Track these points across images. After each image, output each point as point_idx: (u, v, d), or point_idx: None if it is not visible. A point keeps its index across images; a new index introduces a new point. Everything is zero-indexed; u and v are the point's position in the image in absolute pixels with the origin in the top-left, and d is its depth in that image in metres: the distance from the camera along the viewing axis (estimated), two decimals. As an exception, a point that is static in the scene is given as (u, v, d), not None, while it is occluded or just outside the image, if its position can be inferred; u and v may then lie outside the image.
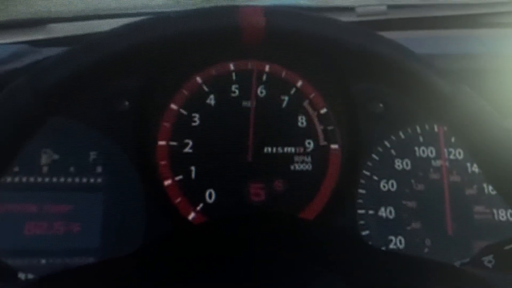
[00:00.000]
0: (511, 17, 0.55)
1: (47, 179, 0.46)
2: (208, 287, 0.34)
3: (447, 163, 0.51)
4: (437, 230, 0.49)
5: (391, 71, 0.33)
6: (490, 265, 0.49)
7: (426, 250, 0.48)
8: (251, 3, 0.52)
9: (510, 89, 0.52)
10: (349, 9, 0.53)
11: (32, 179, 0.45)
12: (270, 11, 0.31)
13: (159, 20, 0.32)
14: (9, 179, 0.45)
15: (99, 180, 0.46)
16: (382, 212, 0.49)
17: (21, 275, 0.43)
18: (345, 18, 0.53)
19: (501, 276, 0.36)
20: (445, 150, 0.51)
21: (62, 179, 0.46)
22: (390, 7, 0.54)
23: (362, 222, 0.48)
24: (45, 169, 0.46)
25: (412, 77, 0.32)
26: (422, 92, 0.32)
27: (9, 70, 0.46)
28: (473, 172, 0.51)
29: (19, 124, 0.28)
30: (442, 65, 0.47)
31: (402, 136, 0.51)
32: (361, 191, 0.49)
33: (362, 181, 0.50)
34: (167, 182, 0.47)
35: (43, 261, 0.44)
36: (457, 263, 0.49)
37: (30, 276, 0.43)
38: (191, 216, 0.47)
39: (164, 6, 0.50)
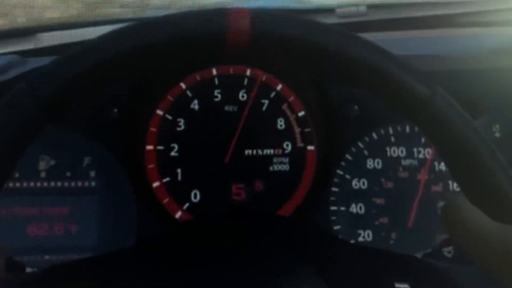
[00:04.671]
0: (490, 16, 0.57)
1: (45, 184, 0.51)
2: (194, 277, 0.39)
3: (415, 162, 0.56)
4: (402, 224, 0.55)
5: (367, 73, 0.36)
6: (449, 255, 0.56)
7: (391, 242, 0.55)
8: (236, 4, 0.54)
9: (483, 89, 0.55)
10: (330, 11, 0.55)
11: (31, 184, 0.51)
12: (255, 13, 0.34)
13: (142, 26, 0.34)
14: (10, 184, 0.50)
15: (93, 184, 0.52)
16: (353, 208, 0.55)
17: (29, 269, 0.50)
18: (325, 20, 0.56)
19: (458, 267, 0.42)
20: (415, 149, 0.56)
21: (59, 184, 0.51)
22: (370, 7, 0.56)
23: (334, 217, 0.55)
24: (43, 174, 0.51)
25: (388, 79, 0.34)
26: (397, 95, 0.35)
27: (1, 80, 0.49)
28: (440, 170, 0.56)
29: (19, 132, 0.31)
30: (421, 66, 0.50)
31: (375, 137, 0.56)
32: (334, 189, 0.55)
33: (336, 180, 0.55)
34: (155, 184, 0.53)
35: (47, 257, 0.50)
36: (419, 254, 0.55)
37: (36, 270, 0.49)
38: (178, 214, 0.53)
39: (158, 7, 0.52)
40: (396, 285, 0.40)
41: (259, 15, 0.34)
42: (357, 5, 0.55)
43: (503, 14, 0.56)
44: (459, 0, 0.56)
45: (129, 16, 0.53)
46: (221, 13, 0.34)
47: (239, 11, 0.34)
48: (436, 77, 0.40)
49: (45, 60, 0.52)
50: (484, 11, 0.56)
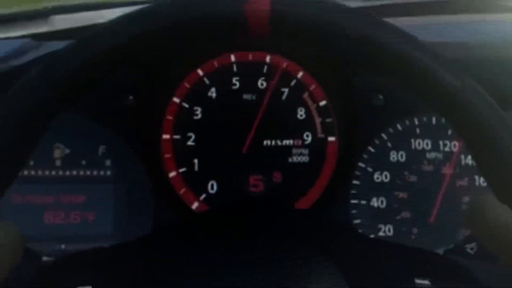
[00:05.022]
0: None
1: (60, 172, 0.50)
2: (209, 269, 0.39)
3: (441, 155, 0.53)
4: (425, 219, 0.53)
5: (393, 61, 0.34)
6: (472, 252, 0.54)
7: (413, 237, 0.53)
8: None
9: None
10: (355, -6, 0.52)
11: (47, 172, 0.50)
12: None
13: (158, 8, 0.33)
14: (25, 172, 0.50)
15: (109, 172, 0.51)
16: (374, 202, 0.53)
17: (45, 258, 0.49)
18: (349, 3, 0.53)
19: (481, 264, 0.41)
20: (441, 142, 0.54)
21: (74, 172, 0.51)
22: (398, -10, 0.53)
23: (354, 211, 0.53)
24: (58, 162, 0.51)
25: (415, 67, 0.33)
26: (425, 85, 0.33)
27: (14, 66, 0.48)
28: (466, 164, 0.54)
29: (35, 116, 0.30)
30: (451, 53, 0.47)
31: (400, 128, 0.54)
32: (356, 182, 0.53)
33: (357, 173, 0.53)
34: (172, 174, 0.52)
35: (63, 246, 0.50)
36: (440, 250, 0.53)
37: (53, 259, 0.49)
38: (195, 205, 0.52)
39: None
40: (417, 281, 0.39)
41: None
42: (384, -12, 0.52)
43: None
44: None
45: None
46: None
47: None
48: (466, 66, 0.38)
49: (59, 44, 0.50)
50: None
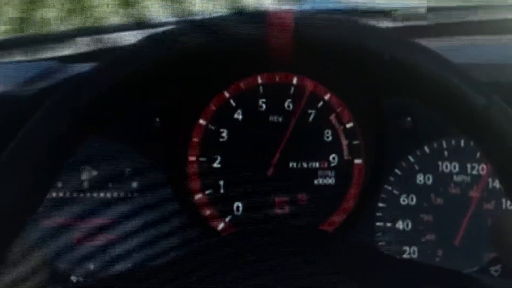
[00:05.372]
0: None
1: (88, 194, 0.51)
2: None
3: (468, 178, 0.53)
4: (450, 241, 0.53)
5: (424, 84, 0.34)
6: (496, 274, 0.54)
7: (437, 259, 0.54)
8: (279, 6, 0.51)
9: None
10: (385, 14, 0.51)
11: (74, 194, 0.51)
12: (299, 17, 0.31)
13: (180, 31, 0.33)
14: (53, 194, 0.50)
15: (135, 194, 0.52)
16: (399, 225, 0.54)
17: (73, 278, 0.50)
18: (379, 23, 0.52)
19: (506, 284, 0.41)
20: (469, 165, 0.53)
21: (101, 194, 0.51)
22: (430, 10, 0.51)
23: (379, 233, 0.53)
24: (85, 184, 0.51)
25: (442, 87, 0.33)
26: (453, 106, 0.33)
27: (39, 88, 0.48)
28: (493, 187, 0.53)
29: (58, 144, 0.30)
30: (483, 75, 0.46)
31: (427, 150, 0.54)
32: (381, 204, 0.53)
33: (383, 195, 0.53)
34: (198, 196, 0.52)
35: (92, 266, 0.51)
36: (465, 272, 0.54)
37: (81, 279, 0.50)
38: (220, 227, 0.52)
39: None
40: None
41: (302, 18, 0.32)
42: (415, 8, 0.50)
43: None
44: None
45: (166, 19, 0.50)
46: (261, 15, 0.31)
47: (281, 14, 0.32)
48: (498, 88, 0.37)
49: (84, 66, 0.50)
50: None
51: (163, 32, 0.32)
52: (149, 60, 0.31)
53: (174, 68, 0.32)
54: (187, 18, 0.52)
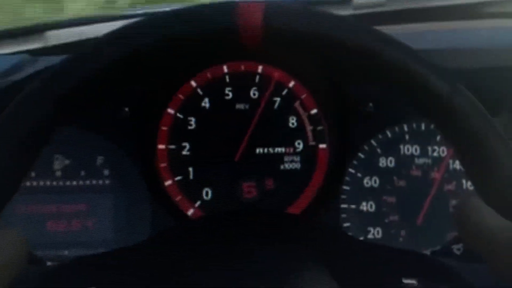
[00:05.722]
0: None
1: (61, 182, 0.53)
2: (203, 274, 0.41)
3: (430, 161, 0.55)
4: (412, 222, 0.55)
5: (384, 68, 0.35)
6: (458, 253, 0.56)
7: (401, 239, 0.56)
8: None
9: (508, 86, 0.53)
10: (345, 2, 0.53)
11: (48, 183, 0.52)
12: (268, 6, 0.33)
13: (151, 22, 0.34)
14: (27, 183, 0.52)
15: (107, 182, 0.53)
16: (363, 206, 0.56)
17: (49, 264, 0.52)
18: (341, 11, 0.53)
19: (467, 265, 0.43)
20: (429, 148, 0.55)
21: (74, 182, 0.53)
22: (389, -4, 0.53)
23: (344, 215, 0.55)
24: (58, 173, 0.53)
25: (405, 74, 0.34)
26: (416, 92, 0.34)
27: (12, 81, 0.49)
28: (454, 169, 0.55)
29: (37, 130, 0.31)
30: (442, 61, 0.48)
31: (389, 134, 0.55)
32: (345, 187, 0.55)
33: (347, 178, 0.55)
34: (168, 183, 0.54)
35: (66, 252, 0.52)
36: (427, 251, 0.56)
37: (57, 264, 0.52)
38: (190, 212, 0.54)
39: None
40: (404, 281, 0.41)
41: (272, 8, 0.33)
42: (375, -5, 0.52)
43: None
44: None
45: (137, 11, 0.51)
46: (231, 6, 0.33)
47: (251, 5, 0.33)
48: (457, 73, 0.39)
49: (55, 59, 0.51)
50: (512, 0, 0.52)
51: (135, 23, 0.33)
52: (123, 50, 0.32)
53: (145, 59, 0.34)
54: (158, 10, 0.53)
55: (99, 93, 0.34)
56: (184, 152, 0.54)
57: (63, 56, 0.33)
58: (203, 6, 0.34)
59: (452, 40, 0.55)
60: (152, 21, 0.34)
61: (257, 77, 0.55)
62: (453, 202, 0.56)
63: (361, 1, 0.53)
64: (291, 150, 0.55)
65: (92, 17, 0.51)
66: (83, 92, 0.32)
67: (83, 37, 0.52)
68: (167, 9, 0.39)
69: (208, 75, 0.54)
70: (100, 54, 0.32)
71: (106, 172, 0.53)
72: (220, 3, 0.34)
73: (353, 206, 0.56)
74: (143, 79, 0.52)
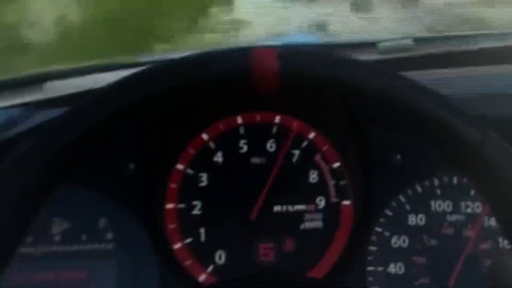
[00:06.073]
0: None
1: (60, 248, 0.48)
2: None
3: (463, 218, 0.51)
4: (444, 284, 0.51)
5: (413, 117, 0.31)
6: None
7: (432, 303, 0.50)
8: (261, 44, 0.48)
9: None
10: (370, 46, 0.48)
11: (46, 249, 0.48)
12: (283, 53, 0.30)
13: (159, 70, 0.31)
14: (24, 250, 0.47)
15: (110, 246, 0.49)
16: (392, 268, 0.51)
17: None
18: (365, 56, 0.49)
19: None
20: (463, 203, 0.51)
21: (75, 247, 0.48)
22: (417, 40, 0.49)
23: (370, 278, 0.51)
24: (57, 237, 0.48)
25: (436, 124, 0.31)
26: (445, 141, 0.31)
27: (8, 136, 0.45)
28: (489, 226, 0.51)
29: (30, 194, 0.29)
30: (475, 108, 0.44)
31: (419, 189, 0.51)
32: (372, 247, 0.51)
33: (373, 238, 0.50)
34: (177, 246, 0.50)
35: (67, 323, 0.48)
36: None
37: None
38: (202, 277, 0.50)
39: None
40: None
41: (287, 54, 0.30)
42: (402, 39, 0.48)
43: None
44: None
45: (140, 60, 0.47)
46: (244, 53, 0.30)
47: (266, 50, 0.30)
48: (491, 121, 0.35)
49: (54, 112, 0.47)
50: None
51: (142, 71, 0.30)
52: (129, 99, 0.29)
53: (151, 109, 0.30)
54: (160, 58, 0.49)
55: (101, 149, 0.31)
56: (195, 212, 0.50)
57: (62, 109, 0.30)
58: (216, 51, 0.31)
59: (484, 85, 0.51)
60: (160, 68, 0.31)
61: (274, 128, 0.50)
62: (488, 262, 0.52)
63: (386, 44, 0.48)
64: (312, 207, 0.51)
65: (92, 67, 0.47)
66: (82, 149, 0.29)
67: (84, 88, 0.47)
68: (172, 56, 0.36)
69: (221, 127, 0.50)
70: (102, 106, 0.29)
71: (109, 235, 0.49)
72: (233, 48, 0.31)
73: (380, 269, 0.51)
74: (150, 132, 0.48)
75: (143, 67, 0.30)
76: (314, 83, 0.31)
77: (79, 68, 0.48)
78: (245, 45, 0.33)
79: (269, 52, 0.30)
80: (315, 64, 0.30)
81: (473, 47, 0.49)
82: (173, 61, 0.30)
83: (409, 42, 0.49)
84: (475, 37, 0.49)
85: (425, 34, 0.48)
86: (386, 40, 0.48)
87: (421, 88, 0.31)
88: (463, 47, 0.49)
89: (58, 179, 0.30)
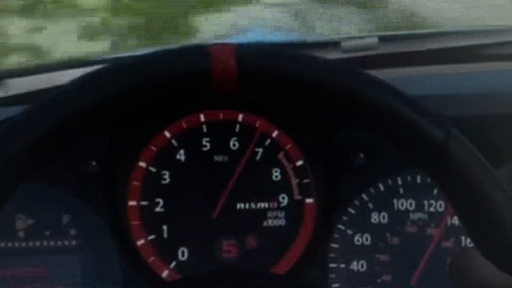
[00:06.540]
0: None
1: (24, 244, 0.48)
2: None
3: (426, 216, 0.51)
4: (407, 282, 0.51)
5: (376, 115, 0.32)
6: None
7: (394, 300, 0.51)
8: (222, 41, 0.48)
9: (507, 135, 0.49)
10: (334, 45, 0.48)
11: (10, 244, 0.48)
12: (242, 48, 0.30)
13: (115, 69, 0.31)
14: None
15: (74, 242, 0.49)
16: (354, 266, 0.52)
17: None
18: (329, 55, 0.49)
19: None
20: (426, 202, 0.51)
21: (38, 243, 0.49)
22: (382, 39, 0.48)
23: (332, 275, 0.51)
24: (21, 233, 0.49)
25: (398, 121, 0.31)
26: (408, 139, 0.31)
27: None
28: (452, 224, 0.51)
29: None
30: (440, 107, 0.44)
31: (382, 188, 0.51)
32: (334, 245, 0.51)
33: (336, 235, 0.51)
34: (140, 242, 0.50)
35: (31, 318, 0.48)
36: (423, 313, 0.52)
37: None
38: (165, 273, 0.50)
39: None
40: None
41: (246, 50, 0.30)
42: (366, 37, 0.47)
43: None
44: (486, 29, 0.47)
45: (102, 57, 0.47)
46: (202, 50, 0.30)
47: (223, 47, 0.30)
48: (455, 120, 0.35)
49: (14, 110, 0.47)
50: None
51: (100, 70, 0.30)
52: (88, 100, 0.29)
53: (113, 108, 0.30)
54: (118, 56, 0.49)
55: (61, 148, 0.31)
56: (158, 209, 0.50)
57: (23, 107, 0.30)
58: (173, 50, 0.31)
59: (449, 85, 0.50)
60: (118, 67, 0.30)
61: (237, 126, 0.50)
62: (450, 260, 0.52)
63: (351, 43, 0.48)
64: (275, 205, 0.51)
65: (55, 64, 0.47)
66: (41, 149, 0.29)
67: (44, 86, 0.47)
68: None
69: (184, 125, 0.50)
70: (59, 106, 0.29)
71: (72, 231, 0.49)
72: (190, 46, 0.31)
73: (342, 265, 0.51)
74: (112, 130, 0.48)
75: (102, 66, 0.30)
76: (273, 81, 0.30)
77: (41, 65, 0.48)
78: (203, 42, 0.32)
79: (227, 48, 0.29)
80: (274, 61, 0.30)
81: (437, 45, 0.48)
82: (129, 59, 0.30)
83: (374, 40, 0.48)
84: (439, 35, 0.49)
85: (389, 32, 0.47)
86: (350, 39, 0.48)
87: (384, 86, 0.31)
88: (427, 45, 0.48)
89: (18, 179, 0.30)
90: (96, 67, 0.31)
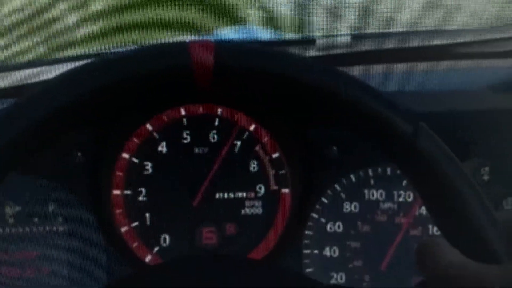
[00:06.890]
0: (490, 47, 0.51)
1: (13, 229, 0.51)
2: None
3: (395, 206, 0.54)
4: (377, 267, 0.54)
5: (347, 111, 0.34)
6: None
7: (364, 285, 0.54)
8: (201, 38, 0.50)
9: (478, 130, 0.51)
10: (309, 42, 0.50)
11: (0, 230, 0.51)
12: (219, 46, 0.32)
13: (103, 63, 0.33)
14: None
15: (61, 228, 0.52)
16: (327, 252, 0.54)
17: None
18: (304, 52, 0.51)
19: None
20: (395, 192, 0.53)
21: (27, 229, 0.51)
22: (355, 37, 0.50)
23: (306, 260, 0.54)
24: (10, 220, 0.51)
25: (369, 116, 0.33)
26: (379, 133, 0.33)
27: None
28: (420, 214, 0.54)
29: None
30: (410, 103, 0.46)
31: (353, 179, 0.54)
32: (308, 232, 0.54)
33: (310, 223, 0.53)
34: (124, 229, 0.53)
35: (21, 299, 0.51)
36: (391, 297, 0.55)
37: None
38: (148, 258, 0.53)
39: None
40: None
41: (223, 47, 0.32)
42: (340, 35, 0.49)
43: (506, 44, 0.50)
44: (456, 29, 0.49)
45: (85, 52, 0.49)
46: (182, 46, 0.32)
47: (202, 44, 0.32)
48: (425, 116, 0.37)
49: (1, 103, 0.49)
50: (483, 40, 0.50)
51: (83, 65, 0.32)
52: (72, 95, 0.31)
53: (95, 103, 0.32)
54: (105, 52, 0.50)
55: (46, 141, 0.32)
56: (141, 198, 0.53)
57: (5, 101, 0.32)
58: (154, 46, 0.33)
59: (419, 82, 0.53)
60: (101, 63, 0.32)
61: (217, 120, 0.53)
62: (417, 245, 0.55)
63: (325, 41, 0.50)
64: (253, 194, 0.54)
65: (38, 60, 0.49)
66: (26, 142, 0.30)
67: (28, 81, 0.49)
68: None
69: (165, 118, 0.52)
70: (43, 100, 0.31)
71: (59, 218, 0.52)
72: (171, 43, 0.33)
73: (316, 251, 0.54)
74: (96, 122, 0.50)
75: (85, 61, 0.32)
76: (249, 77, 0.32)
77: (27, 61, 0.49)
78: (182, 39, 0.34)
79: (206, 45, 0.31)
80: (250, 57, 0.32)
81: (410, 44, 0.51)
82: (113, 55, 0.32)
83: (347, 39, 0.50)
84: (410, 34, 0.51)
85: (362, 31, 0.49)
86: (324, 37, 0.50)
87: (355, 82, 0.32)
88: (400, 44, 0.50)
89: (6, 172, 0.32)
90: (81, 62, 0.32)
